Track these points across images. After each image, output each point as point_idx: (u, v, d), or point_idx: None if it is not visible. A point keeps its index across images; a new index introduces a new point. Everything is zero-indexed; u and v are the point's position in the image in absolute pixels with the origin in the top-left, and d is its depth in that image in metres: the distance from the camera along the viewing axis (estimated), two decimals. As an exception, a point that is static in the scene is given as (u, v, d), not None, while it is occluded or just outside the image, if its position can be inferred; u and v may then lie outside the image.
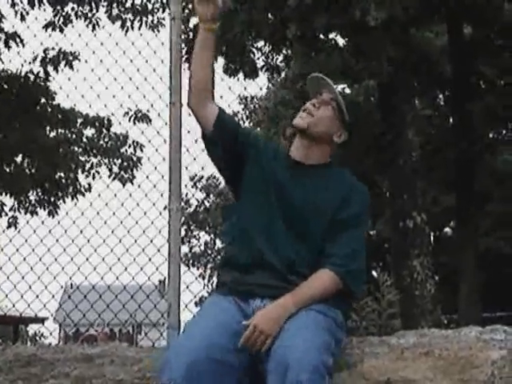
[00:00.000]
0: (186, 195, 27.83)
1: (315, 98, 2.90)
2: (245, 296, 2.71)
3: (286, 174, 2.85)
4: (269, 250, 2.74)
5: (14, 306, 5.04)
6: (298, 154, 2.89)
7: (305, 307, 2.61)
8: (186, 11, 8.97)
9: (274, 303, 2.60)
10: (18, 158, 12.11)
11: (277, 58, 12.23)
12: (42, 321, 14.40)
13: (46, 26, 10.86)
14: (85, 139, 12.60)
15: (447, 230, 23.67)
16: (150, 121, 9.14)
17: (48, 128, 12.14)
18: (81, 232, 5.02)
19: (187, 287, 4.33)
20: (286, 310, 2.59)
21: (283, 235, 2.76)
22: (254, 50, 11.26)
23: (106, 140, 12.56)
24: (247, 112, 26.47)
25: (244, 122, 27.20)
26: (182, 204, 4.03)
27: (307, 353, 2.40)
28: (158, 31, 11.08)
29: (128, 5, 11.10)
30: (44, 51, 11.25)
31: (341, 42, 10.36)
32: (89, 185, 12.36)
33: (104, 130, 12.45)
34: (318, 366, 2.39)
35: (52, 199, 12.39)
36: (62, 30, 11.01)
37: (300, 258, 2.73)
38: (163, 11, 11.16)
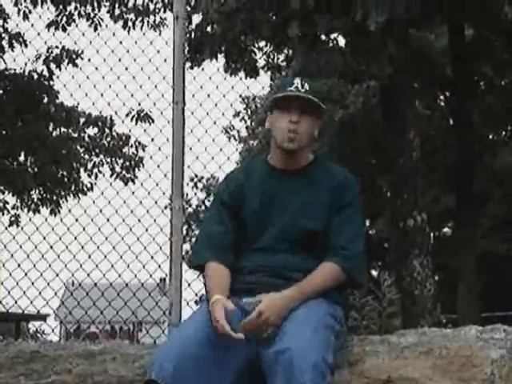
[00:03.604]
0: (187, 195, 27.80)
1: (288, 112, 2.82)
2: (245, 295, 2.74)
3: (272, 186, 2.91)
4: (262, 258, 2.82)
5: (16, 302, 5.05)
6: (281, 163, 2.93)
7: (305, 302, 2.65)
8: (188, 8, 8.97)
9: (282, 294, 2.64)
10: (21, 157, 12.13)
11: (278, 58, 12.23)
12: (43, 318, 14.41)
13: (49, 25, 10.86)
14: (87, 138, 12.61)
15: (446, 230, 23.67)
16: (153, 121, 9.15)
17: (51, 126, 12.16)
18: (83, 230, 5.04)
19: (189, 285, 4.36)
20: (292, 302, 2.63)
21: (278, 245, 2.83)
22: (255, 49, 11.26)
23: (108, 139, 12.57)
24: (249, 111, 26.48)
25: (246, 122, 27.23)
26: (183, 203, 4.05)
27: (308, 352, 2.43)
28: (160, 31, 11.11)
29: (130, 5, 11.12)
30: (47, 50, 11.27)
31: (342, 42, 10.38)
32: (91, 184, 12.38)
33: (106, 130, 12.47)
34: (318, 364, 2.43)
35: (54, 198, 12.40)
36: (64, 30, 11.01)
37: (294, 261, 2.80)
38: (165, 11, 11.18)
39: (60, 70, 11.36)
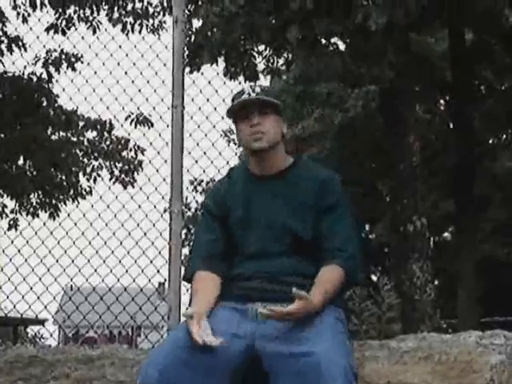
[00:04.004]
0: (186, 198, 27.82)
1: (247, 119, 2.89)
2: (243, 301, 2.73)
3: (252, 191, 2.94)
4: (257, 264, 2.81)
5: (14, 306, 5.05)
6: (259, 169, 2.96)
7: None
8: (187, 12, 8.97)
9: (313, 304, 2.59)
10: (20, 160, 12.13)
11: (278, 62, 12.24)
12: (42, 322, 14.41)
13: (48, 29, 10.86)
14: (86, 142, 12.62)
15: (446, 234, 23.68)
16: (152, 125, 9.16)
17: (50, 130, 12.17)
18: (82, 234, 5.03)
19: (187, 290, 4.34)
20: (315, 310, 2.60)
21: (269, 249, 2.83)
22: (254, 53, 11.26)
23: (107, 143, 12.59)
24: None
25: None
26: (183, 207, 4.04)
27: (335, 357, 2.42)
28: (159, 35, 11.11)
29: (129, 8, 11.11)
30: (46, 53, 11.27)
31: (342, 46, 10.38)
32: (90, 188, 12.39)
33: (105, 134, 12.48)
34: (347, 370, 2.43)
35: (53, 202, 12.42)
36: (64, 33, 11.01)
37: (290, 265, 2.80)
38: (164, 15, 11.19)
39: (59, 73, 11.37)
